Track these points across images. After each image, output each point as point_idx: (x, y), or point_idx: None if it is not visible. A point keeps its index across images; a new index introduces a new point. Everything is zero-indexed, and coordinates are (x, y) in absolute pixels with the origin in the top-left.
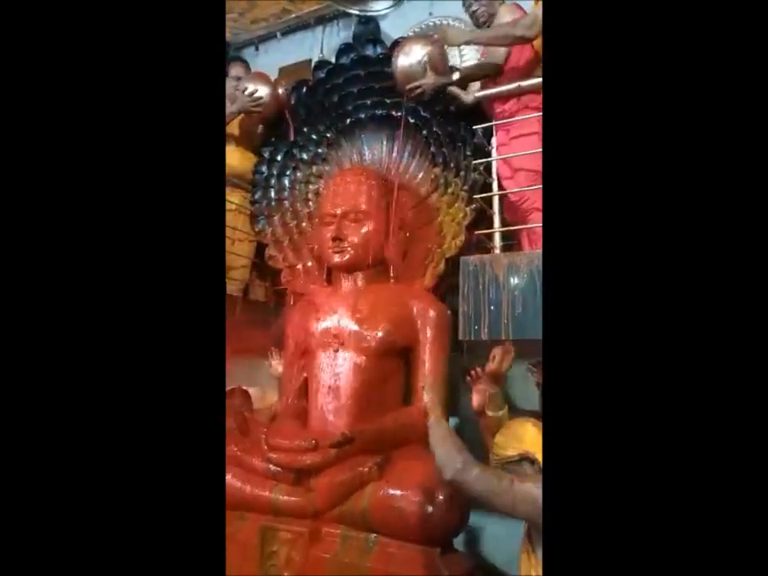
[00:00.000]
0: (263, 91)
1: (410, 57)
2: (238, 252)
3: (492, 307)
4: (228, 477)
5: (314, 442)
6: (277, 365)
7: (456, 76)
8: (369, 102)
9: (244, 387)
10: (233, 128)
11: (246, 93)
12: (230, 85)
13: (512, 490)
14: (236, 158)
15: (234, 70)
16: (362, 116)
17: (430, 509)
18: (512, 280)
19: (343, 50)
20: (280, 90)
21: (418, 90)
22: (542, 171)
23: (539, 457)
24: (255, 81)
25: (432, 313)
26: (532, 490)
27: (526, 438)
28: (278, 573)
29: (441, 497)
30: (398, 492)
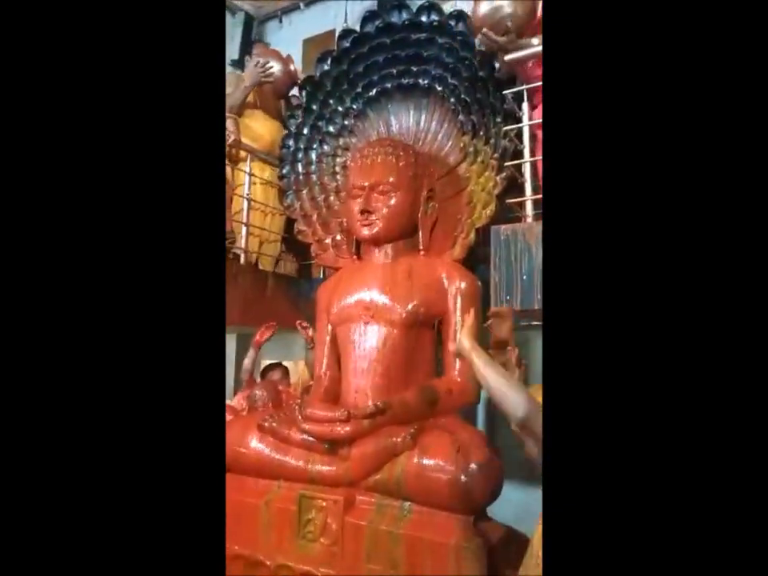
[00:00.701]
0: (275, 66)
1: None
2: (269, 227)
3: (524, 276)
4: (264, 447)
5: (346, 412)
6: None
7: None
8: (395, 71)
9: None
10: (259, 97)
11: (258, 65)
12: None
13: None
14: (266, 129)
15: (256, 49)
16: (388, 85)
17: (464, 477)
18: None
19: (368, 17)
20: (291, 67)
21: (493, 41)
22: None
23: None
24: (267, 56)
25: (462, 284)
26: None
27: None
28: (315, 539)
29: (474, 466)
30: (432, 461)
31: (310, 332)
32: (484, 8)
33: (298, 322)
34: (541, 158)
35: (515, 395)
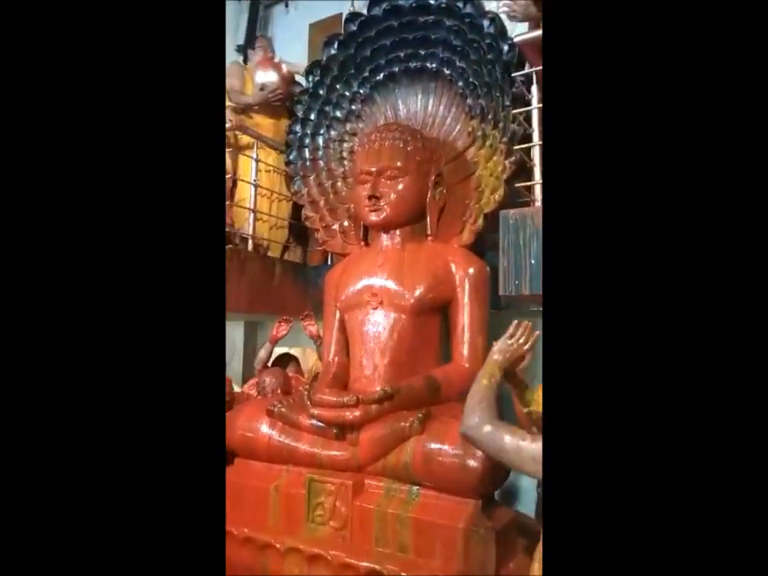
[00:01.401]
0: (272, 77)
1: None
2: (276, 213)
3: (533, 261)
4: (273, 432)
5: (355, 398)
6: (311, 327)
7: None
8: (402, 55)
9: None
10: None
11: (261, 89)
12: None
13: (519, 449)
14: (270, 122)
15: (259, 43)
16: (396, 69)
17: (472, 462)
18: None
19: (375, 0)
20: (284, 68)
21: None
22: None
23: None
24: (263, 69)
25: (471, 269)
26: (539, 450)
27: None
28: (324, 522)
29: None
30: (440, 446)
31: (315, 329)
32: None
33: (302, 318)
34: (535, 144)
35: (466, 412)
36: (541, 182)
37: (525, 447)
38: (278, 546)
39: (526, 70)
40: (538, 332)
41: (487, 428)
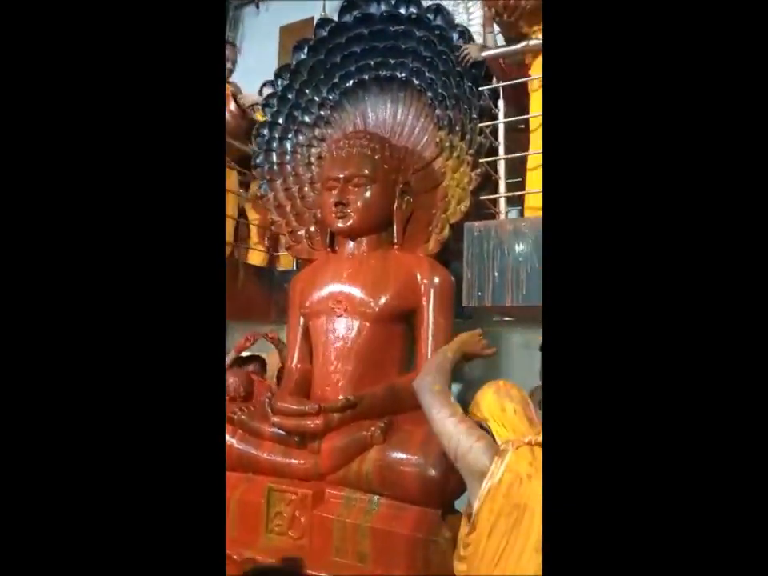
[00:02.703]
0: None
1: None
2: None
3: (496, 273)
4: (234, 441)
5: (317, 406)
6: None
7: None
8: (372, 63)
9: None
10: None
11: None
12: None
13: (444, 422)
14: None
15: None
16: (366, 77)
17: (433, 472)
18: (517, 246)
19: (346, 7)
20: (232, 105)
21: (466, 54)
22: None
23: (492, 425)
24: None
25: (436, 279)
26: (457, 434)
27: (483, 404)
28: (283, 532)
29: (443, 460)
30: (401, 455)
31: (276, 335)
32: None
33: (266, 333)
34: (514, 155)
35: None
36: (505, 194)
37: (448, 423)
38: (234, 557)
39: (494, 84)
40: (494, 348)
41: (436, 387)
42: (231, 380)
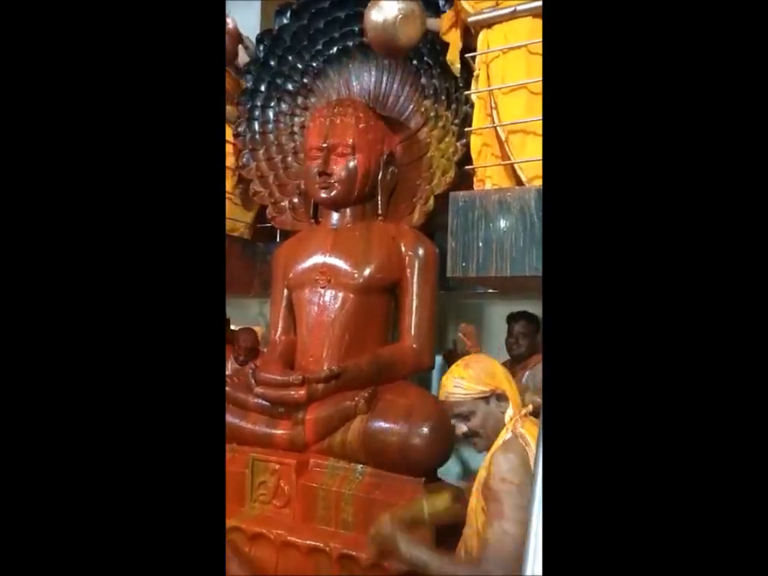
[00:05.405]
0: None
1: (383, 12)
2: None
3: (481, 244)
4: None
5: (301, 377)
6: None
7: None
8: (356, 29)
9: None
10: None
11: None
12: None
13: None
14: None
15: None
16: (350, 44)
17: (416, 440)
18: (502, 216)
19: None
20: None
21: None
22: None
23: (508, 394)
24: None
25: (420, 250)
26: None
27: (497, 374)
28: (267, 501)
29: (425, 429)
30: (384, 424)
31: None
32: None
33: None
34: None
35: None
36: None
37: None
38: None
39: (479, 51)
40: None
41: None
42: (242, 336)
